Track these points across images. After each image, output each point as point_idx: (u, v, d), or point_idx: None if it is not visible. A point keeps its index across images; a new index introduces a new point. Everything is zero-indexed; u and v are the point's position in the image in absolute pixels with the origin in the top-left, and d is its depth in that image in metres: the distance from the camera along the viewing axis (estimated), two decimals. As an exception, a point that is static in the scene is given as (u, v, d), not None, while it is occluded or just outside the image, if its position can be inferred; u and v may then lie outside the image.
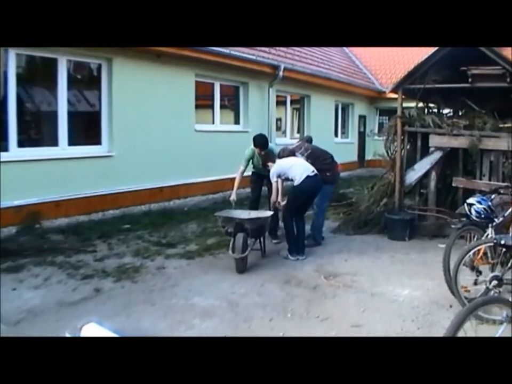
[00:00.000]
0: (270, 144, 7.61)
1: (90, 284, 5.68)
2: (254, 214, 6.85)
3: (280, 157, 7.31)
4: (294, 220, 6.92)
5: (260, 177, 7.83)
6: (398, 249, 7.46)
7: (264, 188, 7.94)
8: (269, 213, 6.86)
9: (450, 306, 5.01)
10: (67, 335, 4.07)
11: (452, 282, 4.82)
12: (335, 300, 5.32)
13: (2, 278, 5.65)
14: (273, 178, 6.94)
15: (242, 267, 6.13)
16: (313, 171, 6.86)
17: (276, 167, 6.97)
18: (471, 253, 4.75)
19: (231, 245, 6.23)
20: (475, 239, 5.43)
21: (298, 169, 6.84)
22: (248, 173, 8.00)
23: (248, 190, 8.72)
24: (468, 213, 5.22)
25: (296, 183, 6.81)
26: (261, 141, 7.41)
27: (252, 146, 7.52)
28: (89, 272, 6.05)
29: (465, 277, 4.86)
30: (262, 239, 6.87)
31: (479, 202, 5.15)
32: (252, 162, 7.71)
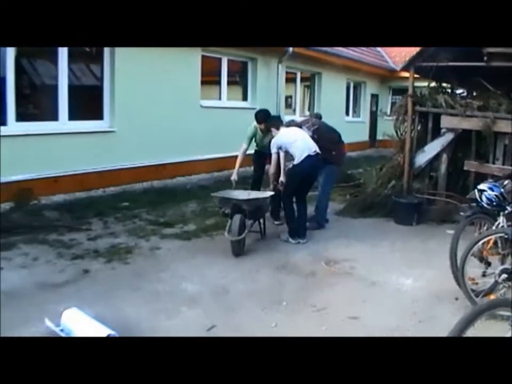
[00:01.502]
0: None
1: (79, 264, 5.45)
2: (253, 194, 6.54)
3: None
4: (294, 201, 6.63)
5: (262, 156, 7.52)
6: (403, 234, 7.15)
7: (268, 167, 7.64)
8: (269, 194, 6.54)
9: (456, 299, 4.69)
10: (46, 320, 3.88)
11: (458, 273, 4.51)
12: (332, 288, 5.03)
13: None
14: (273, 149, 6.60)
15: (238, 250, 5.86)
16: (314, 150, 6.54)
17: (278, 138, 6.64)
18: (480, 243, 4.43)
19: (227, 227, 5.94)
20: (485, 227, 5.11)
21: (300, 146, 6.49)
22: (251, 151, 7.69)
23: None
24: (479, 199, 4.88)
25: (295, 161, 6.50)
26: (263, 116, 7.10)
27: (255, 123, 7.20)
28: (80, 252, 5.83)
29: (473, 269, 4.55)
30: (262, 221, 6.59)
31: (490, 188, 4.81)
32: (255, 141, 7.39)
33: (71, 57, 9.02)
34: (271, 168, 6.70)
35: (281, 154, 6.57)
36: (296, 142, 6.53)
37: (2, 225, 6.48)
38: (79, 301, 4.36)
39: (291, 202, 6.63)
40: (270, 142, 7.10)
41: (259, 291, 4.89)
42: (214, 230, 6.91)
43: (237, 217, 5.86)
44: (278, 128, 6.78)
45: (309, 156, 6.45)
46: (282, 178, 6.62)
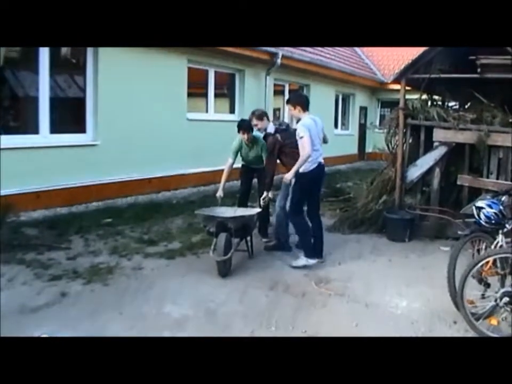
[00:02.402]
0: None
1: (58, 286, 5.16)
2: (240, 211, 6.24)
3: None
4: (304, 216, 6.21)
5: (250, 170, 7.27)
6: (396, 251, 6.90)
7: (255, 181, 7.38)
8: (256, 210, 6.25)
9: (454, 322, 4.44)
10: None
11: (457, 296, 4.27)
12: (324, 310, 4.76)
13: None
14: (305, 132, 5.77)
15: (224, 270, 5.57)
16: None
17: (306, 121, 5.93)
18: (480, 264, 4.19)
19: (212, 246, 5.65)
20: (483, 245, 4.87)
21: (317, 150, 6.01)
22: (238, 164, 7.40)
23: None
24: (477, 217, 4.65)
25: (306, 168, 5.89)
26: (243, 124, 6.84)
27: (239, 136, 6.94)
28: (58, 273, 5.52)
29: (472, 291, 4.30)
30: (249, 239, 6.31)
31: (489, 206, 4.57)
32: (241, 154, 7.12)
33: (56, 68, 8.80)
34: (307, 151, 5.77)
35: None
36: (316, 145, 6.00)
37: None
38: (55, 326, 4.14)
39: (302, 215, 6.15)
40: (256, 155, 6.88)
41: (247, 313, 4.60)
42: (200, 247, 6.63)
43: (222, 236, 5.57)
44: (303, 110, 6.07)
45: (320, 164, 6.08)
46: (268, 193, 6.32)
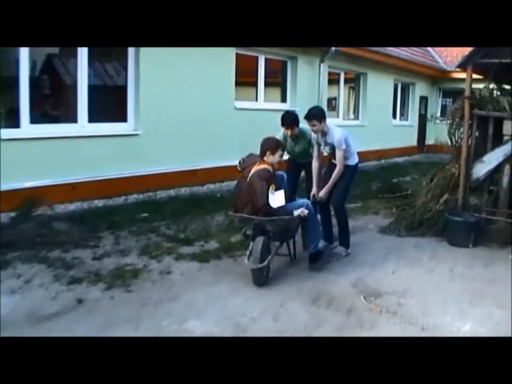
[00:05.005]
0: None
1: (76, 290, 4.69)
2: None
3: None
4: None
5: (297, 165, 6.65)
6: (459, 259, 6.07)
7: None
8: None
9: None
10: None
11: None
12: (373, 332, 4.03)
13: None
14: (342, 146, 5.86)
15: (260, 279, 4.90)
16: None
17: (343, 133, 5.96)
18: None
19: (248, 251, 5.01)
20: None
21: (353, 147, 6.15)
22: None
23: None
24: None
25: (354, 161, 6.13)
26: (286, 119, 6.23)
27: (283, 129, 6.30)
28: (79, 275, 5.06)
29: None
30: (291, 242, 5.66)
31: None
32: (286, 148, 6.46)
33: (105, 56, 8.62)
34: (339, 167, 5.90)
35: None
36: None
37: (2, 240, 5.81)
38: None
39: (345, 209, 6.26)
40: (303, 150, 6.26)
41: (281, 333, 3.95)
42: (239, 249, 6.00)
43: (260, 240, 4.89)
44: (325, 120, 5.97)
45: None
46: (323, 191, 5.92)
